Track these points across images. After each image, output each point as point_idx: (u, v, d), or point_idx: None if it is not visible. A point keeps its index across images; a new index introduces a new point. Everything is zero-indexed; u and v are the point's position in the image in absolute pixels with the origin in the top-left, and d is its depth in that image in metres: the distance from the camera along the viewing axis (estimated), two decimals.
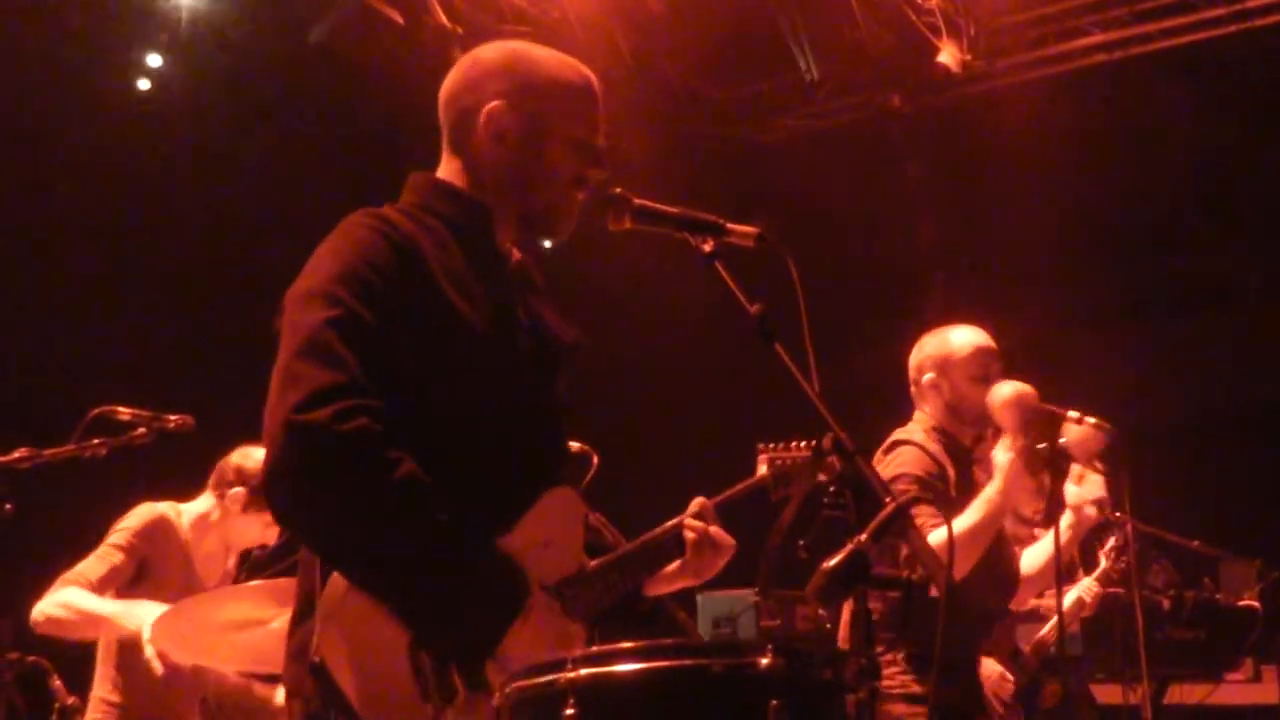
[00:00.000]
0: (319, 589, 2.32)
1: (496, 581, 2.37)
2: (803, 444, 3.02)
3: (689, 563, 2.81)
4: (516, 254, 2.73)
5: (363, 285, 2.37)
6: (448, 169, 2.69)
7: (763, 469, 3.00)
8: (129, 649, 4.59)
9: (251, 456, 4.82)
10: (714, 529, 2.81)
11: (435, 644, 2.30)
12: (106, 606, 4.47)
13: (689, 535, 2.80)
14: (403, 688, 2.27)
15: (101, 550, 4.63)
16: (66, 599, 4.48)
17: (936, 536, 3.47)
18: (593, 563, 2.66)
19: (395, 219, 2.51)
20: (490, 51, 2.73)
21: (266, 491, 2.34)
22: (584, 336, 2.78)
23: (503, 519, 2.46)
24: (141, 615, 4.37)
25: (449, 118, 2.69)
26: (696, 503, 2.85)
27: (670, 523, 2.82)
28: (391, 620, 2.29)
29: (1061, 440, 4.30)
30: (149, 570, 4.67)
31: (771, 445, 3.03)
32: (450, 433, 2.44)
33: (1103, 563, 5.71)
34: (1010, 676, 4.76)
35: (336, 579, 2.31)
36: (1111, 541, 5.75)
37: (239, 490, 4.79)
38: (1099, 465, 4.48)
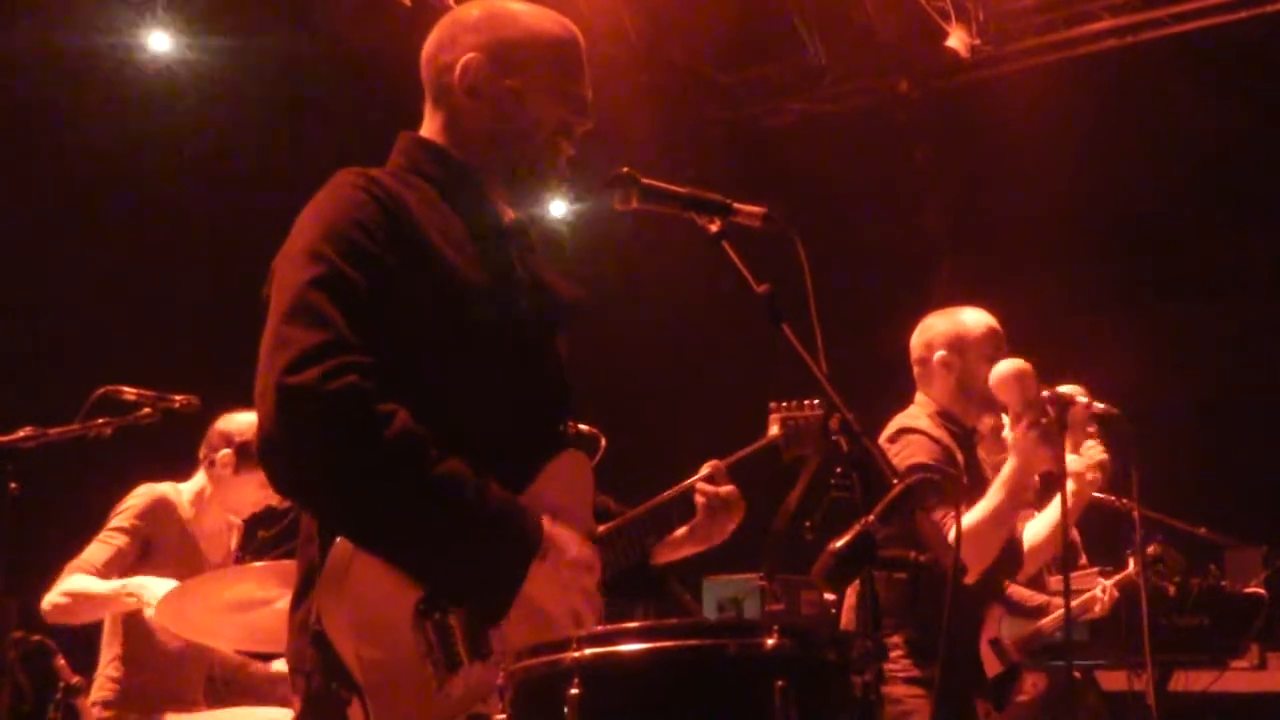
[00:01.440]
0: (319, 562, 2.31)
1: (506, 524, 2.35)
2: (815, 402, 2.98)
3: (700, 526, 2.79)
4: (510, 214, 2.70)
5: (348, 243, 2.35)
6: (430, 127, 2.67)
7: (774, 429, 2.98)
8: (134, 627, 4.60)
9: (234, 420, 4.81)
10: (726, 489, 2.79)
11: (453, 595, 2.30)
12: (108, 585, 4.48)
13: (699, 499, 2.78)
14: (406, 657, 2.26)
15: (103, 535, 4.65)
16: (70, 586, 4.51)
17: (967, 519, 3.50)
18: (600, 528, 2.65)
19: (380, 177, 2.49)
20: (469, 8, 2.71)
21: (262, 458, 2.31)
22: (586, 294, 2.76)
23: (507, 481, 2.43)
24: (139, 588, 4.39)
25: (428, 75, 2.67)
26: (709, 465, 2.83)
27: (680, 485, 2.80)
28: (394, 590, 2.28)
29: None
30: (152, 551, 4.68)
31: (784, 404, 3.01)
32: (451, 394, 2.42)
33: (1130, 567, 5.56)
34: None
35: (337, 551, 2.28)
36: (1150, 550, 5.64)
37: (226, 452, 4.78)
38: (1091, 430, 4.44)
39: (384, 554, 2.28)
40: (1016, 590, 5.44)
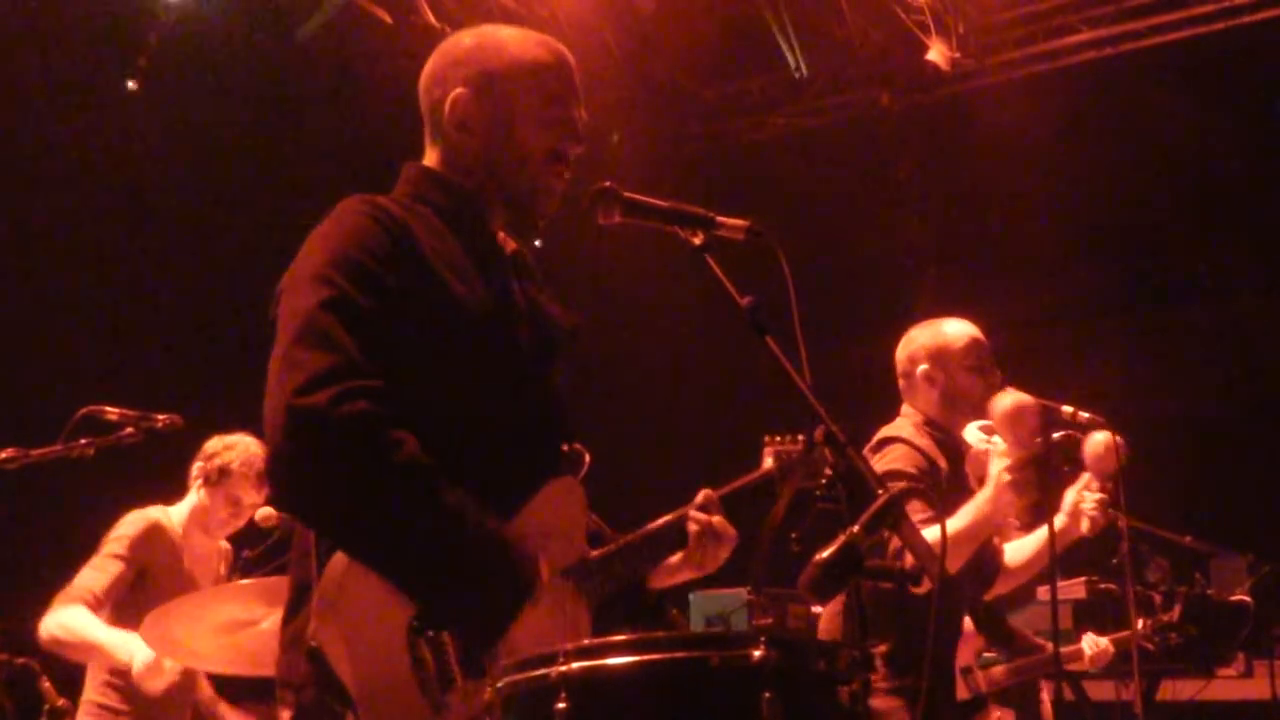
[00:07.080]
0: (315, 578, 2.32)
1: (507, 563, 2.37)
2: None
3: (691, 554, 2.78)
4: (511, 244, 2.73)
5: (356, 268, 2.38)
6: (431, 158, 2.71)
7: (769, 461, 2.98)
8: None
9: (214, 440, 4.80)
10: (717, 519, 2.79)
11: (447, 624, 2.31)
12: (103, 635, 4.45)
13: (692, 527, 2.77)
14: (400, 674, 2.26)
15: (100, 561, 4.61)
16: (69, 621, 4.47)
17: (929, 534, 3.44)
18: (594, 552, 2.65)
19: (387, 205, 2.52)
20: (458, 39, 2.74)
21: (270, 477, 2.35)
22: (581, 321, 2.78)
23: (503, 507, 2.45)
24: (133, 649, 4.36)
25: (425, 108, 2.71)
26: (702, 494, 2.83)
27: (673, 514, 2.80)
28: (390, 608, 2.28)
29: (1083, 451, 4.26)
30: (147, 577, 4.65)
31: (778, 438, 3.01)
32: (450, 420, 2.43)
33: (1140, 626, 5.37)
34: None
35: (333, 567, 2.29)
36: (1162, 616, 5.60)
37: (198, 465, 4.77)
38: (1107, 483, 4.41)
39: (383, 575, 2.29)
40: (1018, 630, 5.41)
